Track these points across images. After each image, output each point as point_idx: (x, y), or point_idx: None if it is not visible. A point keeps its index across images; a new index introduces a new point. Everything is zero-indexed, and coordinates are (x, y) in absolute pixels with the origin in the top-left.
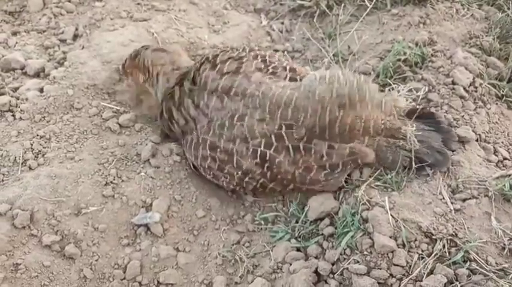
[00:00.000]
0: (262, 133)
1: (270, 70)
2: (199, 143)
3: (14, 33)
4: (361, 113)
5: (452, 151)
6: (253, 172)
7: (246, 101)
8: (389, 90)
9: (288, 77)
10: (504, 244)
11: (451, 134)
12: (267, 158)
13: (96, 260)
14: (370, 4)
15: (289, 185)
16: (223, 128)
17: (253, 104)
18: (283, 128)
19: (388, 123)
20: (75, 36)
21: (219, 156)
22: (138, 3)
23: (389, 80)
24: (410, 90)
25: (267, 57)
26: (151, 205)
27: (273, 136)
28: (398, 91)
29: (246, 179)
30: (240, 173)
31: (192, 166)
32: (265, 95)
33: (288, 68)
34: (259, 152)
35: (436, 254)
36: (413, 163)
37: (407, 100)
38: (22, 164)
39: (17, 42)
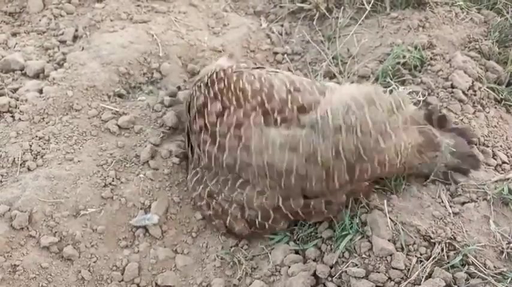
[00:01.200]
0: (261, 207)
1: (279, 119)
2: (200, 182)
3: (14, 34)
4: (374, 166)
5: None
6: (246, 231)
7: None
8: (390, 92)
9: (297, 119)
10: (502, 248)
11: (469, 133)
12: (266, 227)
13: (94, 262)
14: (369, 7)
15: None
16: (224, 186)
17: (254, 174)
18: (281, 200)
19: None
20: (75, 38)
21: (214, 206)
22: (138, 5)
23: (391, 81)
24: (410, 92)
25: (268, 104)
26: (149, 206)
27: (271, 210)
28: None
29: (233, 235)
30: (229, 232)
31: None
32: (268, 164)
33: (294, 108)
34: (257, 223)
35: (435, 257)
36: (449, 176)
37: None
38: (21, 165)
39: (16, 43)
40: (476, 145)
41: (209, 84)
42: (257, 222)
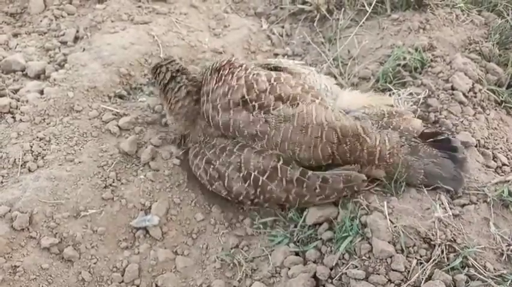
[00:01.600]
0: (257, 166)
1: (256, 106)
2: (199, 154)
3: (15, 35)
4: (361, 145)
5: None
6: (245, 193)
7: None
8: (389, 95)
9: (275, 107)
10: (502, 250)
11: (464, 165)
12: (259, 183)
13: (95, 263)
14: (370, 9)
15: (285, 204)
16: (222, 153)
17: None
18: (281, 161)
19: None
20: (76, 39)
21: (211, 172)
22: (139, 6)
23: (389, 85)
24: (410, 94)
25: (247, 95)
26: (150, 207)
27: (268, 170)
28: (399, 95)
29: (241, 198)
30: (232, 195)
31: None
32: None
33: (272, 97)
34: (252, 177)
35: (435, 259)
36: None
37: (407, 103)
38: (21, 166)
39: (17, 44)
40: (476, 146)
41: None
42: (252, 176)
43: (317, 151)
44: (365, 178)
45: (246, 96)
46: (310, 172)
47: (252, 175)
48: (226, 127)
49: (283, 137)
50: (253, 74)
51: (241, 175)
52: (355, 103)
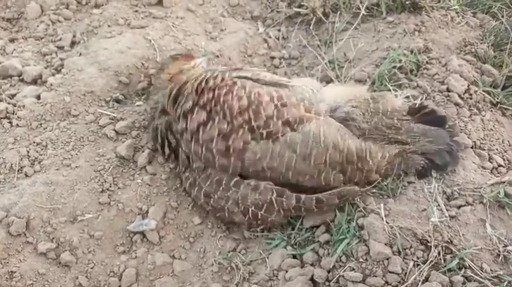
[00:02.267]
0: (255, 203)
1: (264, 134)
2: (195, 185)
3: (12, 40)
4: (362, 167)
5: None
6: (247, 224)
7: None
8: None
9: (283, 133)
10: (499, 251)
11: (456, 131)
12: (259, 217)
13: (92, 268)
14: (366, 12)
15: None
16: (219, 186)
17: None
18: (274, 194)
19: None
20: (73, 43)
21: (212, 204)
22: (136, 11)
23: (388, 85)
24: (407, 97)
25: (254, 121)
26: (147, 212)
27: (265, 205)
28: (396, 96)
29: (238, 225)
30: (237, 224)
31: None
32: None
33: (280, 122)
34: (250, 212)
35: (432, 261)
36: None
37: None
38: (18, 171)
39: (14, 49)
40: (472, 147)
41: (198, 91)
42: (250, 211)
43: (320, 178)
44: (358, 190)
45: (253, 123)
46: (303, 196)
47: (250, 211)
48: (224, 169)
49: (287, 167)
50: (254, 93)
51: (239, 210)
52: (340, 97)
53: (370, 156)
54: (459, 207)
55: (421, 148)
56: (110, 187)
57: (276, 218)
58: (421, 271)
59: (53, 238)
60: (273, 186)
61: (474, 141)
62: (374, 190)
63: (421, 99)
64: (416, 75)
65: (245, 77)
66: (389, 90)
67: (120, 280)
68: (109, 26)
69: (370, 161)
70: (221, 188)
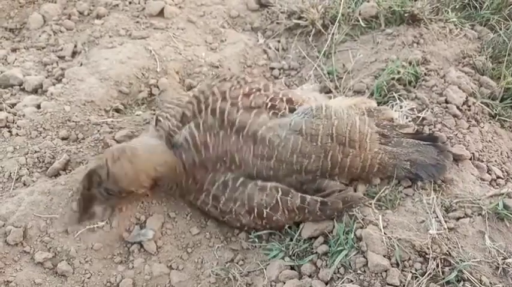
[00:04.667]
0: (260, 204)
1: (269, 104)
2: (202, 190)
3: (14, 50)
4: (360, 152)
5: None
6: (252, 224)
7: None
8: (392, 106)
9: (287, 109)
10: (498, 264)
11: (446, 154)
12: (264, 215)
13: (89, 278)
14: (364, 24)
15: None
16: (225, 188)
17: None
18: (280, 192)
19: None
20: (74, 53)
21: (221, 207)
22: (137, 21)
23: (394, 94)
24: (412, 109)
25: (262, 91)
26: (145, 222)
27: (271, 204)
28: (401, 107)
29: (246, 228)
30: (239, 224)
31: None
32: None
33: (284, 99)
34: (256, 211)
35: (430, 273)
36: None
37: (406, 117)
38: (16, 180)
39: (16, 59)
40: (471, 159)
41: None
42: (256, 209)
43: (326, 160)
44: (362, 196)
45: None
46: (308, 197)
47: (256, 209)
48: (242, 126)
49: (293, 149)
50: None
51: (246, 209)
52: (340, 105)
53: (370, 138)
54: (458, 219)
55: (409, 155)
56: None
57: (281, 218)
58: (420, 284)
59: (50, 248)
60: (279, 185)
61: (473, 153)
62: (372, 201)
63: (420, 111)
64: (414, 87)
65: None
66: (387, 102)
67: None
68: (110, 36)
69: (367, 145)
70: (228, 189)
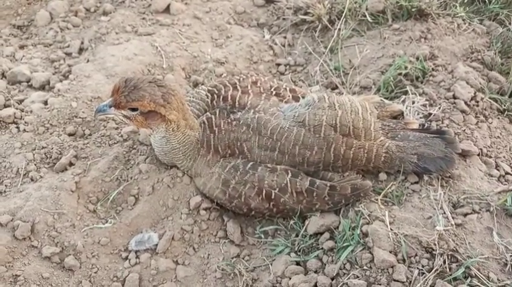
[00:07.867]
0: (270, 184)
1: (274, 92)
2: (212, 173)
3: (22, 47)
4: (364, 143)
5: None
6: (260, 208)
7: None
8: (402, 101)
9: (290, 97)
10: (506, 260)
11: (454, 144)
12: (272, 197)
13: (95, 273)
14: (371, 19)
15: (296, 214)
16: (236, 171)
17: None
18: (289, 174)
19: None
20: (81, 50)
21: (230, 192)
22: (143, 18)
23: (407, 88)
24: (424, 105)
25: (267, 82)
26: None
27: (280, 185)
28: (414, 102)
29: (253, 213)
30: (247, 209)
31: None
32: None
33: (288, 89)
34: (264, 192)
35: (437, 269)
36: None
37: (418, 113)
38: (24, 175)
39: (23, 56)
40: (479, 155)
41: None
42: (264, 190)
43: (329, 152)
44: (370, 185)
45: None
46: (318, 181)
47: (265, 190)
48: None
49: (295, 141)
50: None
51: (255, 191)
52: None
53: (374, 127)
54: (465, 215)
55: (416, 148)
56: None
57: (289, 200)
58: (426, 280)
59: (58, 242)
60: (289, 167)
61: (481, 149)
62: (379, 197)
63: (430, 106)
64: (422, 82)
65: None
66: (394, 97)
67: (123, 285)
68: (117, 33)
69: (372, 134)
70: (238, 172)
